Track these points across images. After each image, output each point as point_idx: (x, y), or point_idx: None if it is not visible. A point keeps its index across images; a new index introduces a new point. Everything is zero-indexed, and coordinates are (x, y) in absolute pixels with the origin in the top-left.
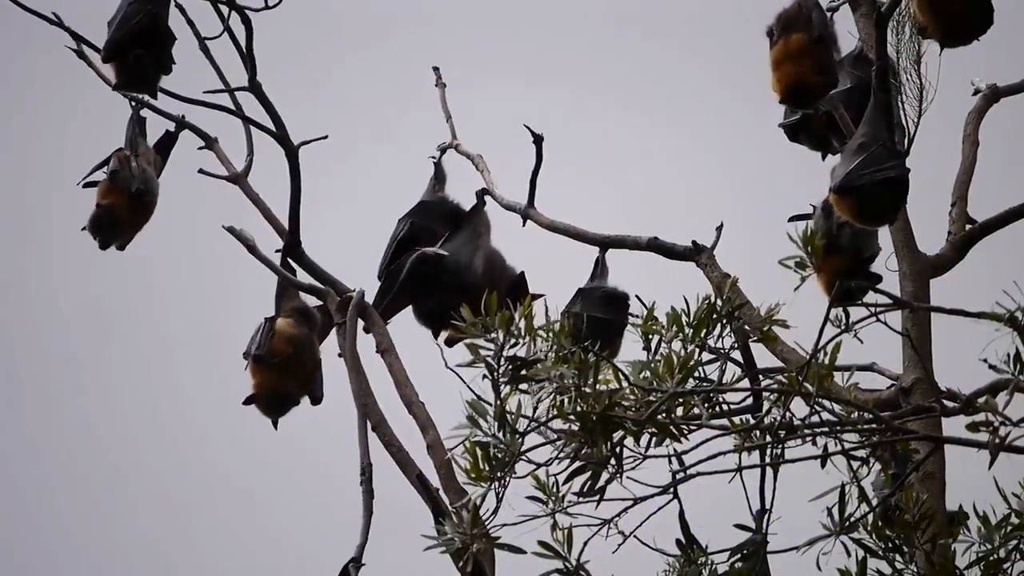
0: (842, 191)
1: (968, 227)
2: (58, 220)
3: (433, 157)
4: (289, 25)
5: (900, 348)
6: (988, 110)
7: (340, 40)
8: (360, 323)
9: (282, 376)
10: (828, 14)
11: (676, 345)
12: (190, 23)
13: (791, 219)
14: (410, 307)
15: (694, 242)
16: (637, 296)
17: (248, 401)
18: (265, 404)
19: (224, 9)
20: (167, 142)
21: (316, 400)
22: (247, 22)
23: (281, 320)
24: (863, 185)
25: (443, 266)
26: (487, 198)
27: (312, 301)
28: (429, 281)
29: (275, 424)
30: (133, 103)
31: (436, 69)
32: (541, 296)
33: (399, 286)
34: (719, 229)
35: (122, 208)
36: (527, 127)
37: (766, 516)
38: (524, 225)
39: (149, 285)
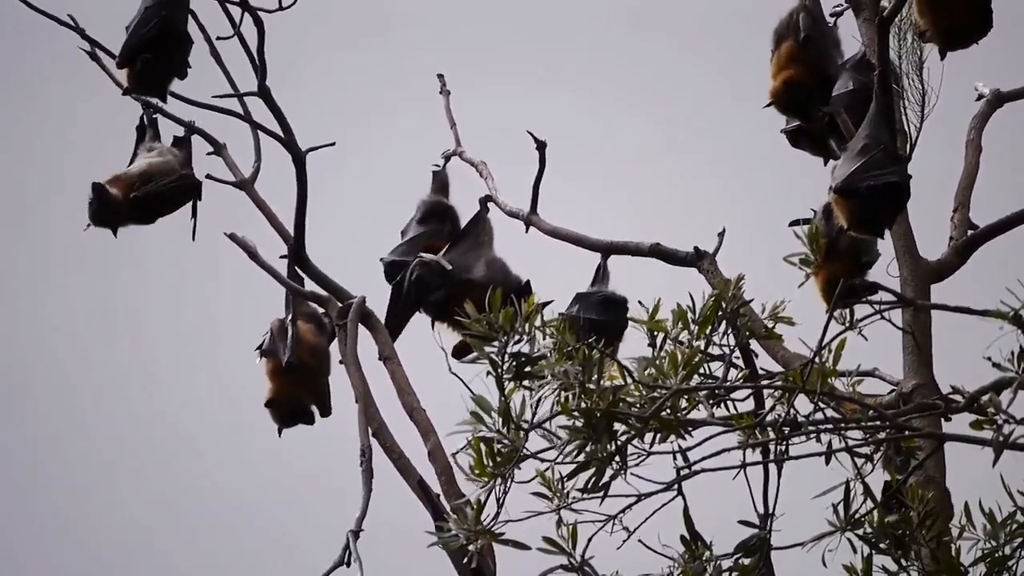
0: (842, 192)
1: (970, 232)
2: (58, 220)
3: (436, 165)
4: (297, 30)
5: (901, 355)
6: (991, 115)
7: (344, 45)
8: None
9: (300, 385)
10: (832, 18)
11: (683, 337)
12: (201, 27)
13: (791, 224)
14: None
15: (696, 248)
16: (640, 302)
17: (269, 404)
18: (280, 412)
19: (236, 11)
20: (177, 146)
21: (325, 412)
22: (259, 24)
23: (303, 325)
24: (863, 189)
25: (445, 274)
26: (490, 205)
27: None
28: (432, 289)
29: (280, 432)
30: (145, 108)
31: (440, 76)
32: (549, 303)
33: (404, 298)
34: (721, 235)
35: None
36: (530, 133)
37: (770, 513)
38: (527, 231)
39: (153, 289)
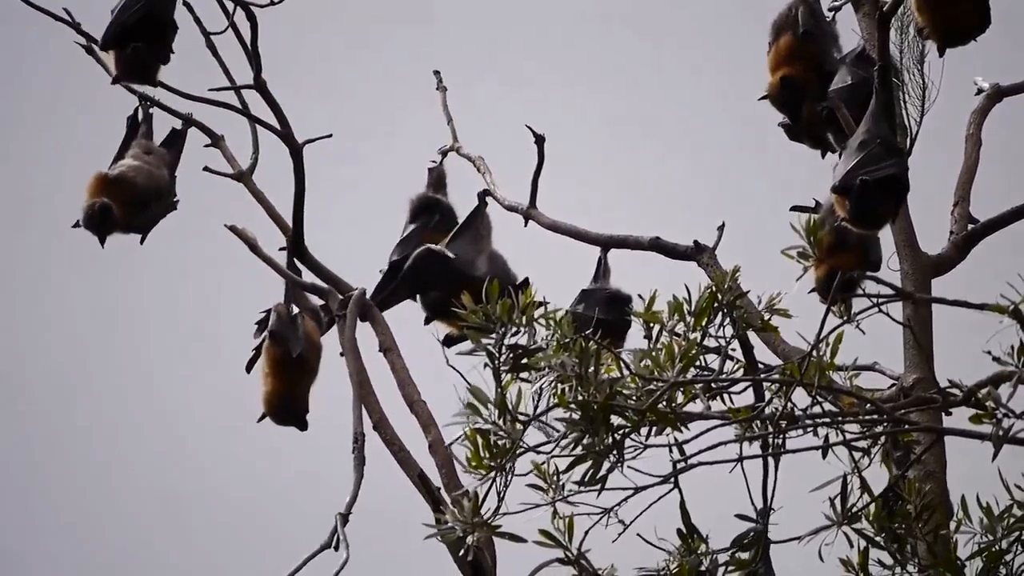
0: (840, 190)
1: (970, 227)
2: (58, 219)
3: (433, 161)
4: (293, 23)
5: (902, 350)
6: (991, 109)
7: (344, 39)
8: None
9: (298, 382)
10: (831, 13)
11: (680, 329)
12: (196, 20)
13: (792, 208)
14: (411, 299)
15: (696, 242)
16: (640, 296)
17: (269, 401)
18: (278, 412)
19: (229, 5)
20: (174, 139)
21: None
22: (252, 18)
23: (308, 322)
24: (857, 185)
25: (448, 265)
26: (488, 199)
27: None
28: (432, 278)
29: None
30: (142, 102)
31: (437, 73)
32: (546, 304)
33: (401, 279)
34: (720, 229)
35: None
36: (529, 128)
37: (767, 506)
38: (526, 226)
39: (153, 282)
